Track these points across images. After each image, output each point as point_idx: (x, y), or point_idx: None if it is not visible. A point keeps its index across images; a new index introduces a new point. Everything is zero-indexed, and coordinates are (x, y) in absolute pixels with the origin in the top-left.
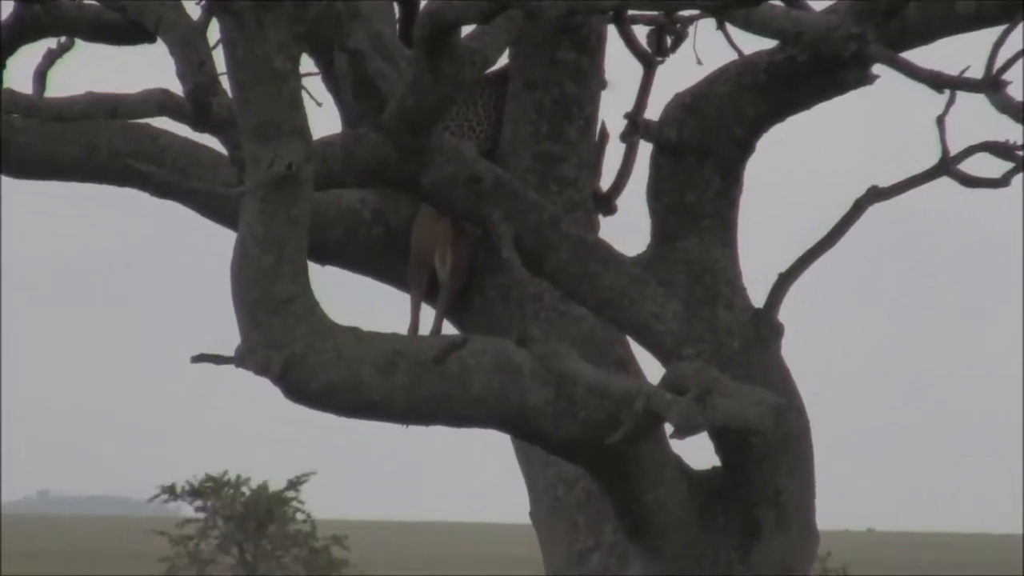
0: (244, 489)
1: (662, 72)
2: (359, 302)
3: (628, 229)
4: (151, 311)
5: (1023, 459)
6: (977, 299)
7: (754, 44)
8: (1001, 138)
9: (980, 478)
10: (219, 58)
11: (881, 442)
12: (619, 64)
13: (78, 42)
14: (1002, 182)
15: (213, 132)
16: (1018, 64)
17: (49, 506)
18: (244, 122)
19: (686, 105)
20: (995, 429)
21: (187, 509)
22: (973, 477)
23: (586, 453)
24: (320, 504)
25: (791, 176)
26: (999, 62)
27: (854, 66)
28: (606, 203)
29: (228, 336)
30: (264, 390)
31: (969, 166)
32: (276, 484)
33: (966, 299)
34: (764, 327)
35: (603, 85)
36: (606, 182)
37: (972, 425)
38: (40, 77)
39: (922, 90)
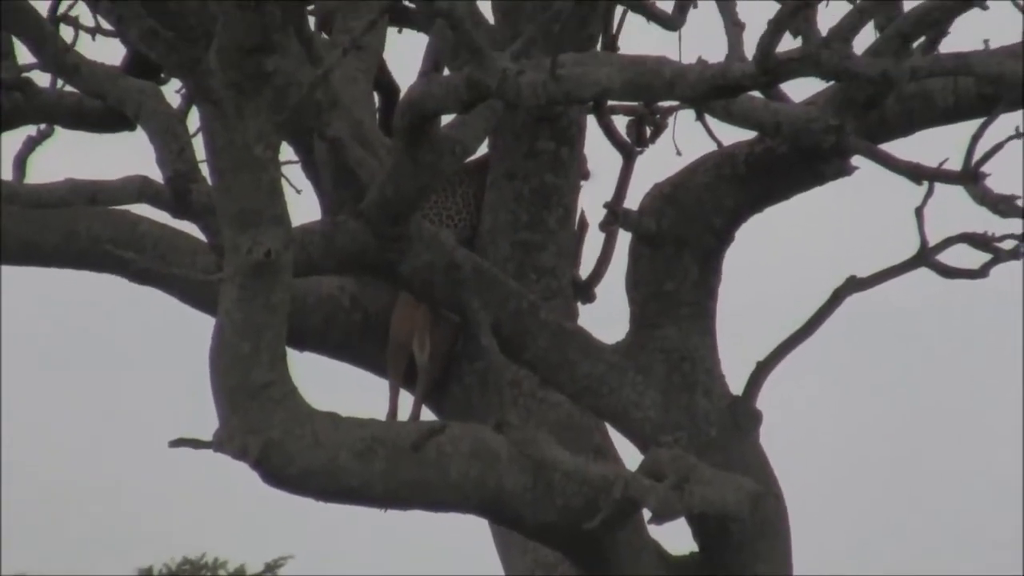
0: (221, 572)
1: (641, 162)
2: (337, 388)
3: (607, 318)
4: (127, 387)
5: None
6: (961, 385)
7: (733, 135)
8: (980, 229)
9: (971, 560)
10: (199, 145)
11: (864, 527)
12: (599, 154)
13: (58, 129)
14: (980, 273)
15: (193, 219)
16: (997, 156)
17: None
18: (224, 209)
19: (665, 195)
20: (988, 517)
21: None
22: (961, 560)
23: (564, 539)
24: None
25: (769, 264)
26: (977, 154)
27: (833, 157)
28: (585, 291)
29: (207, 420)
30: (242, 472)
31: (948, 257)
32: (254, 567)
33: (949, 386)
34: (742, 415)
35: (586, 176)
36: (585, 270)
37: (961, 512)
38: (20, 164)
39: (901, 181)
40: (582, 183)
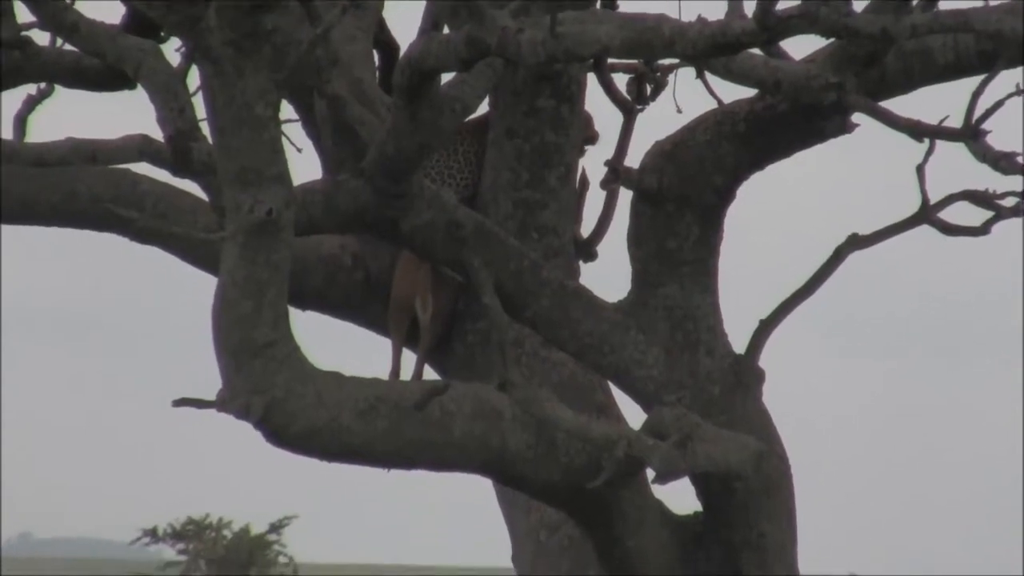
0: (226, 532)
1: (642, 120)
2: (340, 347)
3: (609, 275)
4: (131, 353)
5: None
6: (963, 343)
7: (734, 93)
8: (981, 187)
9: (964, 523)
10: (199, 104)
11: (864, 487)
12: (599, 112)
13: (58, 88)
14: (982, 231)
15: (194, 178)
16: (997, 113)
17: (31, 549)
18: (224, 168)
19: (666, 153)
20: (981, 476)
21: (169, 552)
22: (957, 522)
23: (568, 498)
24: (303, 548)
25: (772, 221)
26: (978, 111)
27: (833, 115)
28: (587, 249)
29: (211, 379)
30: (246, 432)
31: (949, 214)
32: (258, 527)
33: (952, 343)
34: (745, 373)
35: (593, 139)
36: (587, 229)
37: (958, 470)
38: (20, 122)
39: (901, 139)
40: (588, 147)
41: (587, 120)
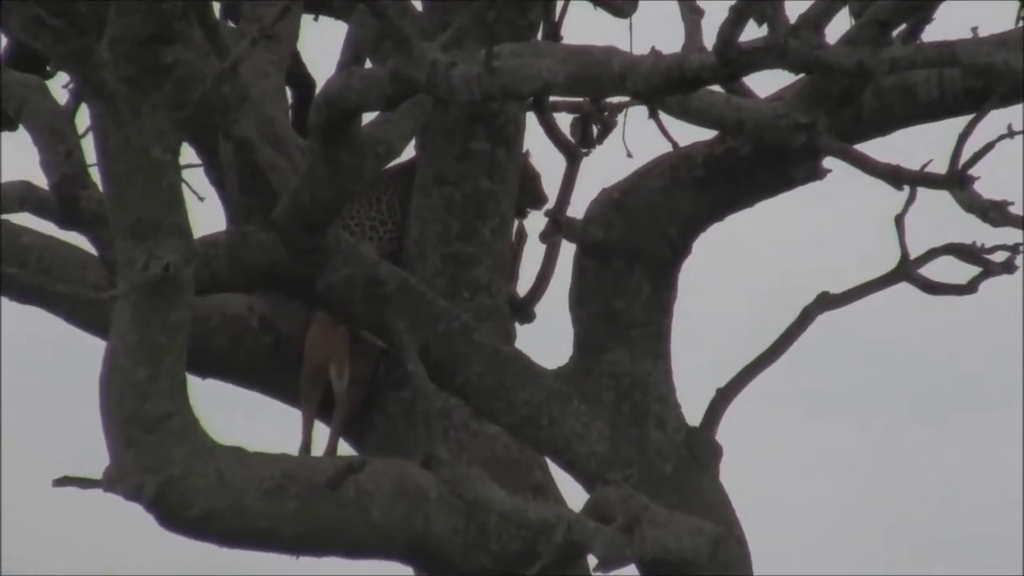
0: None
1: (587, 165)
2: (244, 420)
3: (548, 339)
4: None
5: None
6: (950, 408)
7: (691, 135)
8: (967, 239)
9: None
10: (89, 147)
11: (836, 568)
12: (539, 156)
13: None
14: (968, 289)
15: (82, 230)
16: (986, 158)
17: None
18: (117, 219)
19: (614, 201)
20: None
21: None
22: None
23: None
24: None
25: (731, 279)
26: (965, 155)
27: (803, 159)
28: (524, 310)
29: (97, 455)
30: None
31: (931, 270)
32: None
33: (937, 409)
34: (700, 448)
35: (541, 200)
36: (524, 287)
37: (938, 546)
38: None
39: (879, 186)
40: (530, 211)
41: (534, 178)
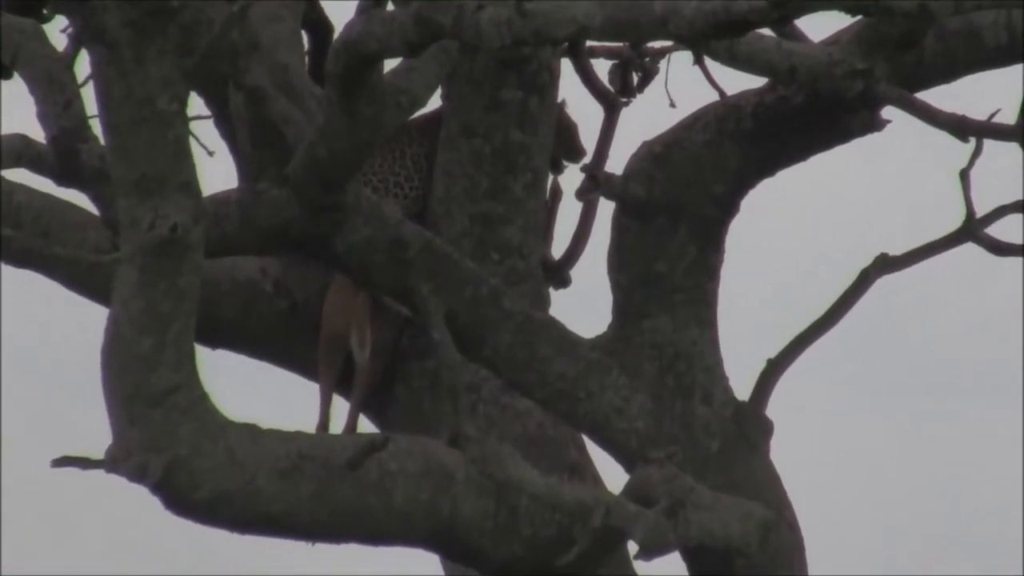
0: None
1: (627, 115)
2: (258, 394)
3: (586, 305)
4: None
5: None
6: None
7: (739, 83)
8: None
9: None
10: (89, 97)
11: (890, 557)
12: (575, 106)
13: None
14: None
15: (81, 187)
16: None
17: None
18: (120, 175)
19: (656, 156)
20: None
21: None
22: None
23: None
24: None
25: (783, 239)
26: None
27: (860, 109)
28: (558, 274)
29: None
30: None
31: (999, 229)
32: None
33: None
34: (749, 424)
35: (580, 153)
36: (558, 248)
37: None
38: None
39: (942, 137)
40: (566, 166)
41: (570, 129)
